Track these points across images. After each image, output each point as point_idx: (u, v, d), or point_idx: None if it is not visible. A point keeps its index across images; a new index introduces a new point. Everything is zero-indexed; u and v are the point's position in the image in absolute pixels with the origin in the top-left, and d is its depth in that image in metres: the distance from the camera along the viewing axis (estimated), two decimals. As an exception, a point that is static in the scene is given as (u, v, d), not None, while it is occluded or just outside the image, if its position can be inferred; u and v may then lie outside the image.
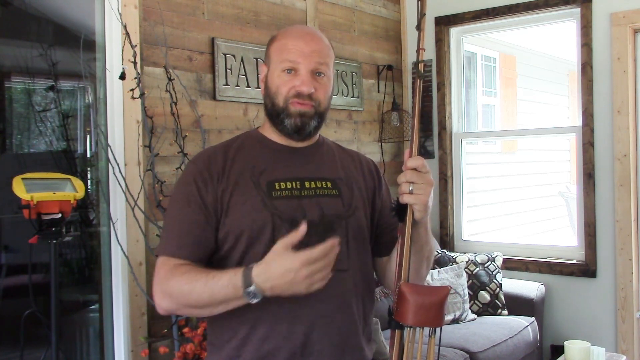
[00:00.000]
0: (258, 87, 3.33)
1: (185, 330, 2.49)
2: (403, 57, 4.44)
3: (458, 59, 4.35)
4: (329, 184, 1.53)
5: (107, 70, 2.73)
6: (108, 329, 2.78)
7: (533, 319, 3.61)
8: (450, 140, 4.29)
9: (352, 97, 3.99)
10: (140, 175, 2.73)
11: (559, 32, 5.20)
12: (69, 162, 2.95)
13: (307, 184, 1.51)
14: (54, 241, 2.18)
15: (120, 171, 2.58)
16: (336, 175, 1.57)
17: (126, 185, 2.58)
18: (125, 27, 2.61)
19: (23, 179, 2.15)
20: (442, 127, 4.27)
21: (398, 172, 1.37)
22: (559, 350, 3.39)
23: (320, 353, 1.44)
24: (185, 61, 3.01)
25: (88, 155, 3.08)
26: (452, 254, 3.86)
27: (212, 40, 3.13)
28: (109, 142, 2.67)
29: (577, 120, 3.78)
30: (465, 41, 4.44)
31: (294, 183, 1.50)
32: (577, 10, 3.73)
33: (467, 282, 3.67)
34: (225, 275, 1.33)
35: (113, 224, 2.67)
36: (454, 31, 4.29)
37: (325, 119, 1.56)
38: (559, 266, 3.82)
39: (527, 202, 6.82)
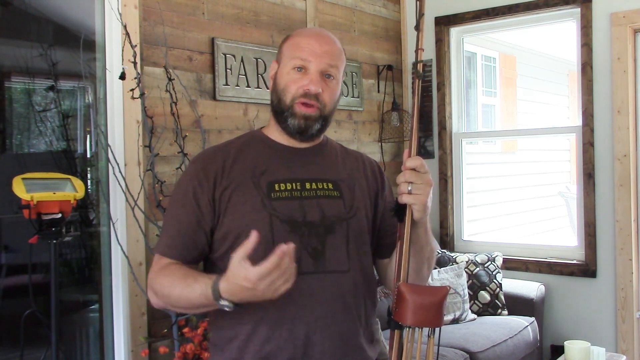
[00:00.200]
0: (258, 87, 3.33)
1: (185, 330, 2.49)
2: (403, 57, 4.44)
3: (458, 59, 4.35)
4: (331, 185, 1.53)
5: (107, 70, 2.73)
6: (108, 329, 2.78)
7: (533, 319, 3.61)
8: (450, 140, 4.29)
9: (352, 97, 3.98)
10: (140, 175, 2.73)
11: (559, 32, 5.20)
12: (69, 162, 2.95)
13: (307, 185, 1.51)
14: (54, 241, 2.18)
15: (120, 171, 2.58)
16: (338, 176, 1.56)
17: (126, 185, 2.58)
18: (125, 27, 2.61)
19: (23, 179, 2.14)
20: (442, 127, 4.27)
21: (398, 172, 1.37)
22: (559, 350, 3.39)
23: (322, 354, 1.44)
24: (185, 61, 3.01)
25: (88, 155, 3.08)
26: (452, 254, 3.86)
27: (212, 40, 3.13)
28: (109, 142, 2.67)
29: (577, 120, 3.78)
30: (465, 41, 4.44)
31: (294, 184, 1.50)
32: (577, 10, 3.73)
33: (467, 282, 3.67)
34: (198, 286, 1.34)
35: (113, 224, 2.67)
36: (454, 31, 4.29)
37: (329, 121, 1.56)
38: (559, 266, 3.82)
39: (527, 202, 6.81)
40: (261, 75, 3.35)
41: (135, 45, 2.62)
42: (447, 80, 4.27)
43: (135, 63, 2.58)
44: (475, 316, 3.60)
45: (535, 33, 6.03)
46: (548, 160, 7.53)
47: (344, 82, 3.89)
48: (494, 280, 3.71)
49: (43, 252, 2.22)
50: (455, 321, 3.49)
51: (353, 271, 1.49)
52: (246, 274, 1.22)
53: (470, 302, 3.64)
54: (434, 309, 1.28)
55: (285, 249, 1.22)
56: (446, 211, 4.25)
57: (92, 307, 3.03)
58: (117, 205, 2.72)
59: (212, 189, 1.47)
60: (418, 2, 1.44)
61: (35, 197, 2.10)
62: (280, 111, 1.52)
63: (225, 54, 3.17)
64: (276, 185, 1.49)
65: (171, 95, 2.66)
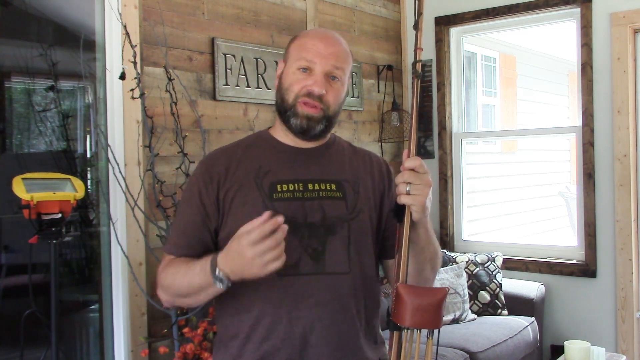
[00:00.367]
0: (258, 87, 3.33)
1: (185, 330, 2.49)
2: (403, 57, 4.44)
3: (458, 59, 4.35)
4: (334, 186, 1.53)
5: (107, 70, 2.73)
6: (108, 329, 2.78)
7: (533, 319, 3.61)
8: (450, 140, 4.29)
9: (352, 97, 3.98)
10: (140, 175, 2.73)
11: (559, 32, 5.20)
12: (69, 162, 2.95)
13: (310, 186, 1.51)
14: (54, 241, 2.18)
15: (120, 171, 2.58)
16: (342, 177, 1.56)
17: (126, 185, 2.58)
18: (125, 27, 2.61)
19: (23, 179, 2.14)
20: (442, 127, 4.27)
21: (398, 172, 1.37)
22: (559, 350, 3.39)
23: (319, 355, 1.44)
24: (185, 61, 3.01)
25: (88, 155, 3.08)
26: (452, 254, 3.86)
27: (212, 40, 3.13)
28: (109, 142, 2.67)
29: (577, 120, 3.78)
30: (465, 41, 4.44)
31: (296, 185, 1.51)
32: (577, 10, 3.73)
33: (467, 282, 3.67)
34: (198, 265, 1.38)
35: (113, 224, 2.67)
36: (454, 31, 4.29)
37: (334, 122, 1.56)
38: (559, 266, 3.82)
39: (527, 202, 6.81)
40: (261, 75, 3.35)
41: (135, 45, 2.62)
42: (447, 80, 4.27)
43: (135, 63, 2.58)
44: (475, 316, 3.60)
45: (535, 33, 6.03)
46: (548, 160, 7.53)
47: (344, 82, 3.91)
48: (494, 280, 3.71)
49: (43, 252, 2.22)
50: (455, 321, 3.49)
51: (353, 273, 1.49)
52: (239, 241, 1.26)
53: (470, 302, 3.64)
54: (432, 310, 1.27)
55: (275, 219, 1.24)
56: (446, 211, 4.25)
57: (92, 307, 3.03)
58: (117, 205, 2.72)
59: (217, 190, 1.49)
60: (417, 1, 1.44)
61: (35, 197, 2.10)
62: (283, 110, 1.53)
63: (225, 54, 3.17)
64: (278, 186, 1.49)
65: (171, 95, 2.66)
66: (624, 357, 3.06)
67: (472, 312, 3.61)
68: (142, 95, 2.61)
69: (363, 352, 1.50)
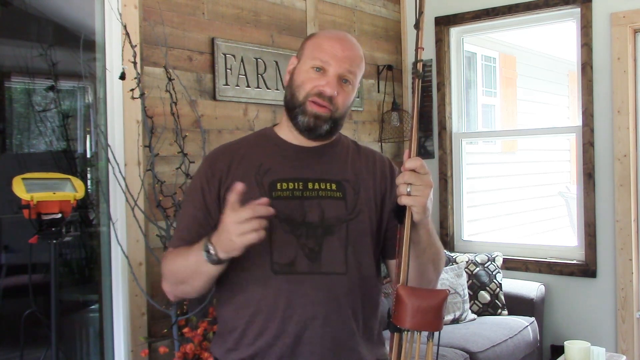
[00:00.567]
0: (258, 87, 3.33)
1: (185, 330, 2.49)
2: (403, 57, 4.44)
3: (458, 59, 4.35)
4: (334, 186, 1.53)
5: (107, 70, 2.73)
6: (108, 329, 2.78)
7: (533, 319, 3.61)
8: (450, 140, 4.29)
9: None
10: (140, 175, 2.73)
11: (559, 32, 5.20)
12: (69, 162, 2.95)
13: (310, 185, 1.52)
14: (54, 241, 2.18)
15: (120, 171, 2.58)
16: (343, 177, 1.56)
17: (126, 185, 2.58)
18: (125, 27, 2.61)
19: (23, 179, 2.14)
20: (442, 127, 4.27)
21: (398, 173, 1.36)
22: (559, 350, 3.39)
23: (311, 354, 1.44)
24: (185, 61, 3.01)
25: (88, 155, 3.08)
26: (452, 254, 3.86)
27: (212, 40, 3.13)
28: (109, 142, 2.67)
29: (577, 120, 3.78)
30: (465, 41, 4.44)
31: (296, 184, 1.51)
32: (577, 10, 3.73)
33: (467, 282, 3.67)
34: (196, 246, 1.40)
35: (113, 224, 2.67)
36: (454, 31, 4.29)
37: (341, 124, 1.57)
38: (559, 266, 3.82)
39: (527, 202, 6.81)
40: (261, 75, 3.35)
41: (135, 45, 2.62)
42: (447, 80, 4.27)
43: (135, 63, 2.58)
44: (475, 316, 3.60)
45: (535, 33, 6.03)
46: (548, 160, 7.53)
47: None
48: (494, 280, 3.71)
49: (43, 252, 2.22)
50: (455, 321, 3.49)
51: (350, 274, 1.49)
52: (226, 214, 1.30)
53: (470, 302, 3.64)
54: (432, 312, 1.26)
55: (264, 202, 1.30)
56: (446, 211, 4.25)
57: (92, 307, 3.03)
58: (117, 205, 2.72)
59: (218, 187, 1.52)
60: (418, 0, 1.44)
61: (35, 197, 2.10)
62: (292, 107, 1.54)
63: (225, 54, 3.17)
64: (278, 184, 1.50)
65: (171, 95, 2.66)
66: (624, 357, 3.06)
67: (472, 312, 3.61)
68: (142, 95, 2.61)
69: (358, 352, 1.50)
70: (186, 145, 2.73)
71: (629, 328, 3.57)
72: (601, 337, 3.59)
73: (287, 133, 1.58)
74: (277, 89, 3.38)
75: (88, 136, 3.07)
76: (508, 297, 3.71)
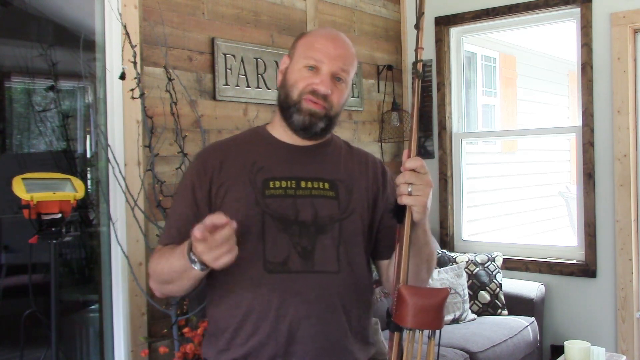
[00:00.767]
0: (258, 87, 3.33)
1: (185, 330, 2.49)
2: (403, 57, 4.44)
3: (458, 59, 4.35)
4: (327, 185, 1.53)
5: (107, 70, 2.73)
6: (108, 329, 2.78)
7: (533, 319, 3.61)
8: (450, 140, 4.29)
9: (352, 97, 3.98)
10: (140, 175, 2.73)
11: (559, 32, 5.20)
12: (69, 162, 2.95)
13: (303, 184, 1.51)
14: (54, 241, 2.18)
15: (120, 171, 2.58)
16: (336, 176, 1.56)
17: (126, 185, 2.58)
18: (125, 27, 2.61)
19: (23, 179, 2.14)
20: (442, 127, 4.27)
21: (398, 173, 1.36)
22: (559, 350, 3.39)
23: (304, 354, 1.44)
24: (185, 61, 3.01)
25: (88, 155, 3.08)
26: (452, 254, 3.86)
27: (212, 40, 3.13)
28: (109, 142, 2.67)
29: (577, 120, 3.78)
30: (465, 41, 4.44)
31: (289, 182, 1.51)
32: (577, 10, 3.73)
33: (467, 282, 3.67)
34: (179, 248, 1.39)
35: (113, 224, 2.67)
36: (454, 31, 4.29)
37: (335, 123, 1.57)
38: (559, 266, 3.82)
39: (527, 202, 6.81)
40: (261, 75, 3.35)
41: (135, 45, 2.62)
42: (447, 80, 4.27)
43: (135, 63, 2.58)
44: (475, 316, 3.60)
45: (535, 33, 6.03)
46: (548, 160, 7.54)
47: (344, 82, 3.91)
48: (494, 280, 3.71)
49: (43, 252, 2.22)
50: (455, 321, 3.49)
51: (343, 272, 1.49)
52: (194, 231, 1.25)
53: (470, 302, 3.64)
54: (434, 311, 1.27)
55: (222, 222, 1.24)
56: (446, 211, 4.25)
57: (92, 307, 3.03)
58: (117, 205, 2.72)
59: (209, 184, 1.51)
60: (418, 0, 1.44)
61: (35, 197, 2.10)
62: (286, 106, 1.54)
63: (225, 54, 3.17)
64: (271, 183, 1.50)
65: (171, 95, 2.66)
66: (624, 357, 3.06)
67: (472, 312, 3.61)
68: (142, 95, 2.61)
69: (350, 351, 1.50)
70: (186, 145, 2.73)
71: (629, 328, 3.57)
72: (601, 337, 3.59)
73: (281, 132, 1.58)
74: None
75: (88, 136, 3.07)
76: (508, 297, 3.71)
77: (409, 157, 1.35)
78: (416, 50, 1.42)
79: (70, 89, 3.05)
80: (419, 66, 1.41)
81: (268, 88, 3.36)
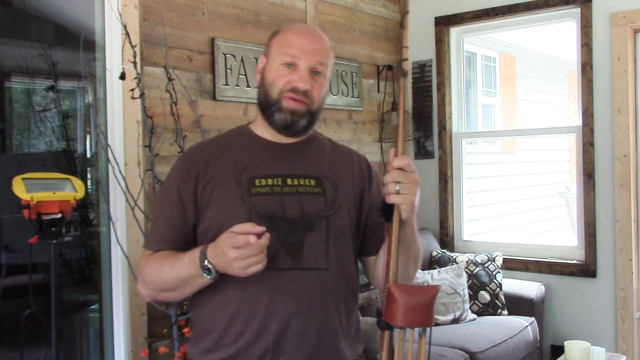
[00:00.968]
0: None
1: (185, 330, 2.49)
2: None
3: (458, 59, 4.35)
4: (313, 182, 1.53)
5: (107, 70, 2.73)
6: (108, 329, 2.78)
7: (533, 319, 3.61)
8: (450, 140, 4.29)
9: (352, 97, 3.98)
10: (140, 175, 2.73)
11: (559, 32, 5.20)
12: (69, 162, 2.95)
13: (289, 181, 1.51)
14: (54, 241, 2.18)
15: (120, 171, 2.58)
16: (322, 173, 1.56)
17: (126, 185, 2.59)
18: (125, 27, 2.61)
19: (23, 179, 2.14)
20: (442, 127, 4.27)
21: (382, 172, 1.36)
22: (559, 350, 3.39)
23: (294, 351, 1.44)
24: (185, 61, 3.01)
25: (88, 155, 3.08)
26: (452, 254, 3.86)
27: (212, 40, 3.13)
28: (109, 142, 2.68)
29: (577, 120, 3.78)
30: (465, 41, 4.44)
31: (275, 180, 1.50)
32: (577, 10, 3.73)
33: (467, 282, 3.67)
34: (187, 255, 1.39)
35: (113, 224, 2.67)
36: (454, 31, 4.29)
37: (317, 118, 1.56)
38: (559, 266, 3.82)
39: (527, 202, 6.82)
40: (261, 75, 3.34)
41: (135, 45, 2.62)
42: (447, 80, 4.27)
43: (135, 63, 2.57)
44: (475, 316, 3.60)
45: (535, 33, 6.03)
46: (548, 160, 7.54)
47: (344, 82, 3.92)
48: (494, 280, 3.71)
49: (43, 252, 2.22)
50: (455, 321, 3.49)
51: (332, 269, 1.49)
52: (225, 240, 1.29)
53: (470, 302, 3.64)
54: (424, 309, 1.27)
55: (260, 230, 1.28)
56: (446, 211, 4.25)
57: (92, 307, 3.03)
58: (117, 205, 2.72)
59: (195, 185, 1.50)
60: (401, 0, 1.45)
61: (35, 197, 2.10)
62: (267, 106, 1.53)
63: (225, 54, 3.17)
64: (257, 181, 1.49)
65: (171, 95, 2.66)
66: (624, 357, 3.06)
67: (472, 312, 3.62)
68: (142, 95, 2.61)
69: (341, 350, 1.50)
70: (186, 145, 2.73)
71: (629, 328, 3.57)
72: (601, 337, 3.60)
73: (264, 131, 1.57)
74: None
75: (88, 136, 3.06)
76: (508, 297, 3.71)
77: (395, 155, 1.34)
78: (401, 50, 1.43)
79: (70, 89, 3.05)
80: (405, 65, 1.41)
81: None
